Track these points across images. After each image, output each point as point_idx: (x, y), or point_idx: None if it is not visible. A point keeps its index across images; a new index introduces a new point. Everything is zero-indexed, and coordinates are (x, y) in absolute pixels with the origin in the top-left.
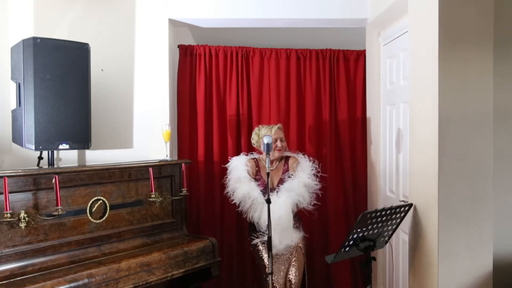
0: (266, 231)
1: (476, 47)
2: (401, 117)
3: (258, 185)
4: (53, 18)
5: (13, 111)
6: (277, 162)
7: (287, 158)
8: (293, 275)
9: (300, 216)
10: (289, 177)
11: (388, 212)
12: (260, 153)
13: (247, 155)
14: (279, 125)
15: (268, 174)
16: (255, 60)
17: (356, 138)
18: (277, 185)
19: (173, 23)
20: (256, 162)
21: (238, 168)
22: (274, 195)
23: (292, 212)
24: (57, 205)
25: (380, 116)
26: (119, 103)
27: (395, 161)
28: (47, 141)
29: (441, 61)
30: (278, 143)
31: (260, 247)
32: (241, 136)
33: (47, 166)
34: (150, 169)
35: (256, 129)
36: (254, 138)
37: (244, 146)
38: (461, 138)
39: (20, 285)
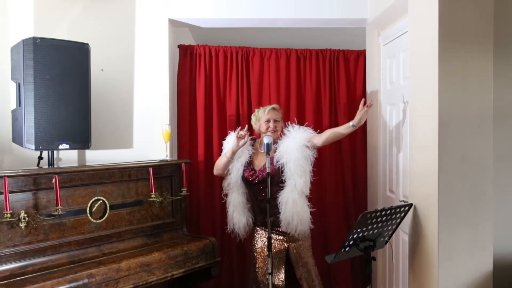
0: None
1: (476, 47)
2: (401, 117)
3: (245, 170)
4: (53, 18)
5: (13, 111)
6: (275, 145)
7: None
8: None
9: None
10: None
11: (388, 212)
12: (258, 136)
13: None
14: (273, 105)
15: (268, 174)
16: (255, 60)
17: (356, 138)
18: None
19: (173, 23)
20: (253, 144)
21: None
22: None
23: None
24: (57, 205)
25: (380, 116)
26: (119, 103)
27: (395, 161)
28: (47, 141)
29: (441, 61)
30: (271, 124)
31: (257, 247)
32: None
33: (47, 166)
34: (150, 169)
35: (255, 110)
36: (252, 120)
37: None
38: (461, 138)
39: (20, 285)
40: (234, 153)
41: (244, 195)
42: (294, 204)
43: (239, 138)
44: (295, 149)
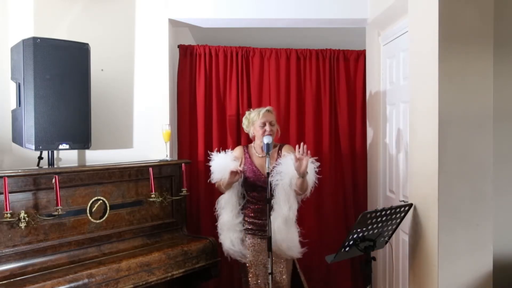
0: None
1: (476, 47)
2: (401, 117)
3: (246, 172)
4: (53, 18)
5: (13, 111)
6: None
7: (281, 146)
8: (278, 275)
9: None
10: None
11: (388, 212)
12: (251, 141)
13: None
14: (268, 107)
15: (268, 174)
16: (255, 60)
17: (356, 138)
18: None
19: (173, 23)
20: (245, 149)
21: (221, 165)
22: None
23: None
24: (57, 205)
25: (380, 116)
26: (119, 103)
27: (395, 161)
28: (47, 141)
29: (441, 61)
30: (267, 127)
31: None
32: (241, 136)
33: (47, 166)
34: (150, 169)
35: (246, 113)
36: (244, 123)
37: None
38: (461, 138)
39: (20, 285)
40: (230, 186)
41: (234, 211)
42: (279, 231)
43: (233, 173)
44: (289, 175)
